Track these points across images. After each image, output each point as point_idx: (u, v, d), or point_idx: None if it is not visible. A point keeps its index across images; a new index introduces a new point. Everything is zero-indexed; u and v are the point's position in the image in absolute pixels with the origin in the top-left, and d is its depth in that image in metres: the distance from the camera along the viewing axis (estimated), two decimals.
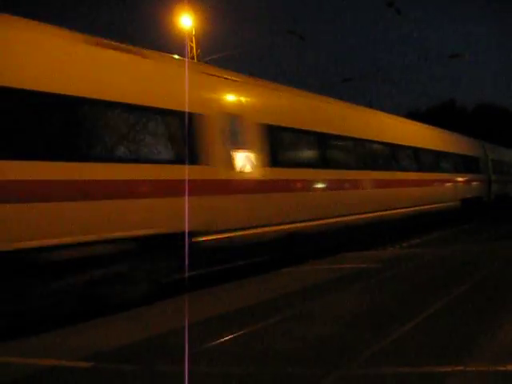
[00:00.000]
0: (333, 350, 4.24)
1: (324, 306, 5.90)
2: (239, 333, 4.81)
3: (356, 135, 12.46)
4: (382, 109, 17.18)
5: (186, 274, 5.95)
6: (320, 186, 10.73)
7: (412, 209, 14.55)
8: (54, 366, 4.24)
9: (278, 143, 9.49)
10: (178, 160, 7.36)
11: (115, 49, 7.12)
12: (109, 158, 6.62)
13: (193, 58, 21.36)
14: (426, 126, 18.92)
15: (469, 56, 25.47)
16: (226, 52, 22.45)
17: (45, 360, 4.40)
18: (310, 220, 9.95)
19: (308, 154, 10.93)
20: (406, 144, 15.41)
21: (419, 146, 16.26)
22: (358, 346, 4.21)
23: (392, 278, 7.53)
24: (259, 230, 8.54)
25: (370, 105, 16.26)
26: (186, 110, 7.37)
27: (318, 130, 10.92)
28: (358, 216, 11.57)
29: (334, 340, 4.50)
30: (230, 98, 8.78)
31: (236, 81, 9.18)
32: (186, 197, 6.84)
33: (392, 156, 14.38)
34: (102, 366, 4.17)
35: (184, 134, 7.42)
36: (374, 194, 12.62)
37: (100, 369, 4.11)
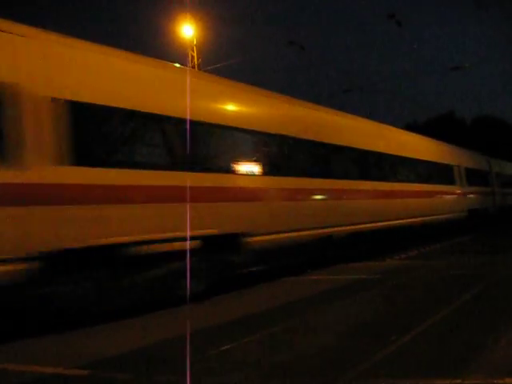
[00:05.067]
0: (331, 360, 4.23)
1: (322, 316, 5.91)
2: (238, 342, 4.81)
3: None
4: (382, 120, 16.94)
5: (188, 282, 5.95)
6: None
7: None
8: (52, 374, 4.23)
9: None
10: None
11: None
12: None
13: (193, 67, 21.45)
14: None
15: (470, 66, 24.53)
16: (226, 62, 22.56)
17: (43, 367, 4.39)
18: None
19: None
20: None
21: None
22: (357, 358, 4.20)
23: (391, 289, 7.54)
24: None
25: (369, 116, 15.86)
26: None
27: None
28: None
29: (332, 351, 4.50)
30: None
31: None
32: None
33: None
34: (100, 374, 4.16)
35: None
36: None
37: (98, 377, 4.10)
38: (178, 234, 7.07)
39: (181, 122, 7.38)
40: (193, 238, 7.24)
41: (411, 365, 4.01)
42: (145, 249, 6.72)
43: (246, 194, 8.63)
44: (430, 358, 4.14)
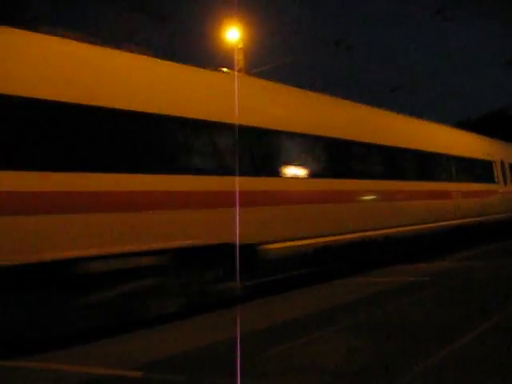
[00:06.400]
0: (382, 363, 4.18)
1: (372, 319, 5.85)
2: (287, 346, 4.82)
3: None
4: (432, 118, 16.34)
5: (238, 285, 5.96)
6: None
7: None
8: (107, 375, 4.36)
9: None
10: None
11: None
12: None
13: (240, 70, 21.59)
14: None
15: None
16: (272, 64, 22.59)
17: (96, 368, 4.52)
18: None
19: None
20: None
21: None
22: (407, 363, 4.14)
23: (441, 292, 7.40)
24: None
25: (419, 115, 15.39)
26: None
27: None
28: None
29: (383, 354, 4.45)
30: None
31: None
32: None
33: None
34: (153, 375, 4.24)
35: None
36: None
37: (150, 378, 4.18)
38: None
39: None
40: None
41: (466, 371, 3.91)
42: None
43: None
44: (486, 364, 4.03)
